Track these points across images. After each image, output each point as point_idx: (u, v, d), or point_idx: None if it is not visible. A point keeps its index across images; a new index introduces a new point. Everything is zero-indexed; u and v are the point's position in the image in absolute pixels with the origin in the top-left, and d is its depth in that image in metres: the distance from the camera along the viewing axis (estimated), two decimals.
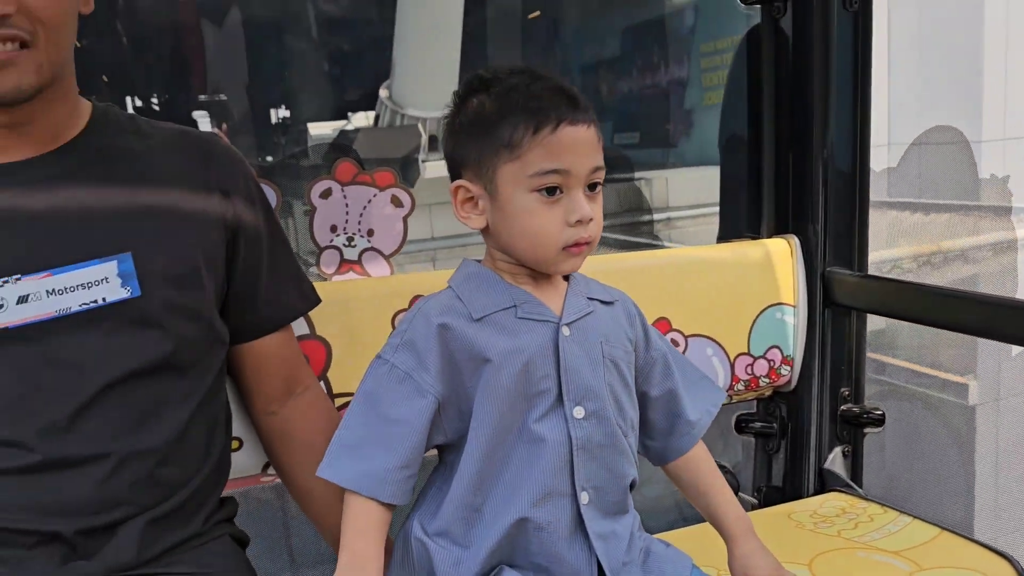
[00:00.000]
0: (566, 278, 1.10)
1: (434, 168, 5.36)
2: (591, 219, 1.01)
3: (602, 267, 1.52)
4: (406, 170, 5.50)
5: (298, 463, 1.22)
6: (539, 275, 1.07)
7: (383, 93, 6.29)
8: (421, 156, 5.78)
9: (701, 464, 1.21)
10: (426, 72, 5.99)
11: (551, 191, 1.00)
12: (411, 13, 5.89)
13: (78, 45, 1.09)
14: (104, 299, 1.00)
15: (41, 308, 0.98)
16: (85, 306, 0.99)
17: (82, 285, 0.99)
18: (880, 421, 1.67)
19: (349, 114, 6.82)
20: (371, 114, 6.62)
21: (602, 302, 1.12)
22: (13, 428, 0.96)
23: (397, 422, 1.01)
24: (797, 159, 1.72)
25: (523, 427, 1.02)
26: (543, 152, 0.99)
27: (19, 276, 0.97)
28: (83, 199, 1.02)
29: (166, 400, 1.05)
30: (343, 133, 6.47)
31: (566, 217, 1.00)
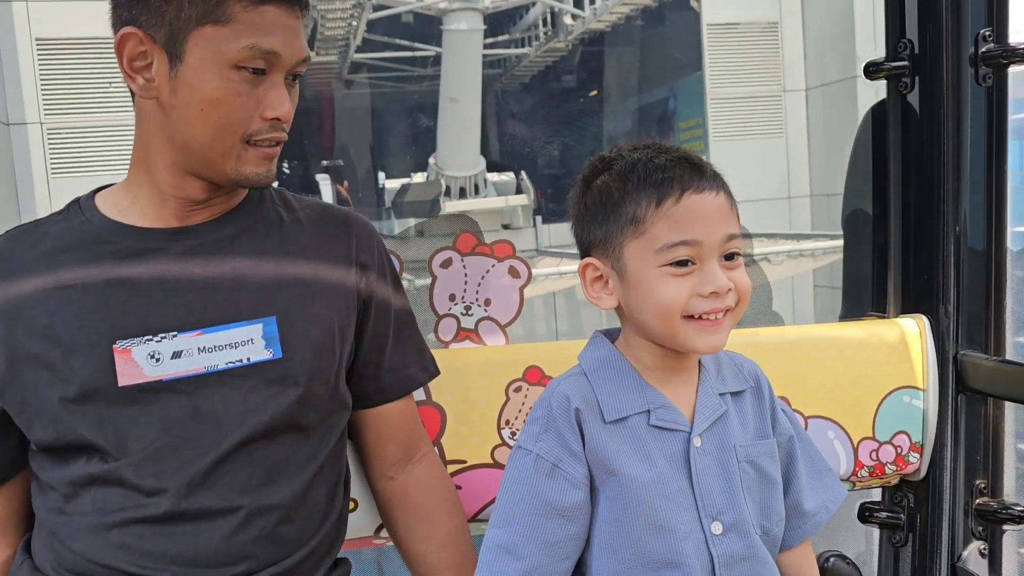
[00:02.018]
0: (699, 368, 1.07)
1: (451, 206, 8.81)
2: (729, 289, 0.97)
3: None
4: (430, 207, 8.95)
5: (413, 529, 1.24)
6: (672, 366, 1.04)
7: (432, 160, 9.39)
8: (442, 199, 8.98)
9: (804, 563, 1.14)
10: (455, 147, 8.98)
11: (682, 263, 0.97)
12: (446, 109, 8.82)
13: None
14: (249, 359, 1.06)
15: (192, 364, 1.04)
16: (231, 364, 1.05)
17: (230, 344, 1.05)
18: (1022, 518, 1.55)
19: (412, 174, 10.10)
20: (424, 174, 9.74)
21: (733, 394, 1.08)
22: (159, 478, 1.02)
23: (554, 518, 0.99)
24: (926, 236, 1.65)
25: (658, 548, 0.98)
26: (668, 224, 0.97)
27: (176, 333, 1.04)
28: (236, 264, 1.09)
29: (292, 459, 1.09)
30: (403, 186, 9.77)
31: (698, 289, 0.97)
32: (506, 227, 8.80)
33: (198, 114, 1.02)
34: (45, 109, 7.13)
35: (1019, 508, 1.56)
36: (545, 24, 10.28)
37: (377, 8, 8.95)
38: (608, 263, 1.02)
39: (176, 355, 1.04)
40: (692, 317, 0.98)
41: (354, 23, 9.20)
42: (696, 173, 0.99)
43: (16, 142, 7.06)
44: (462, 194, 8.99)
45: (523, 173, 9.60)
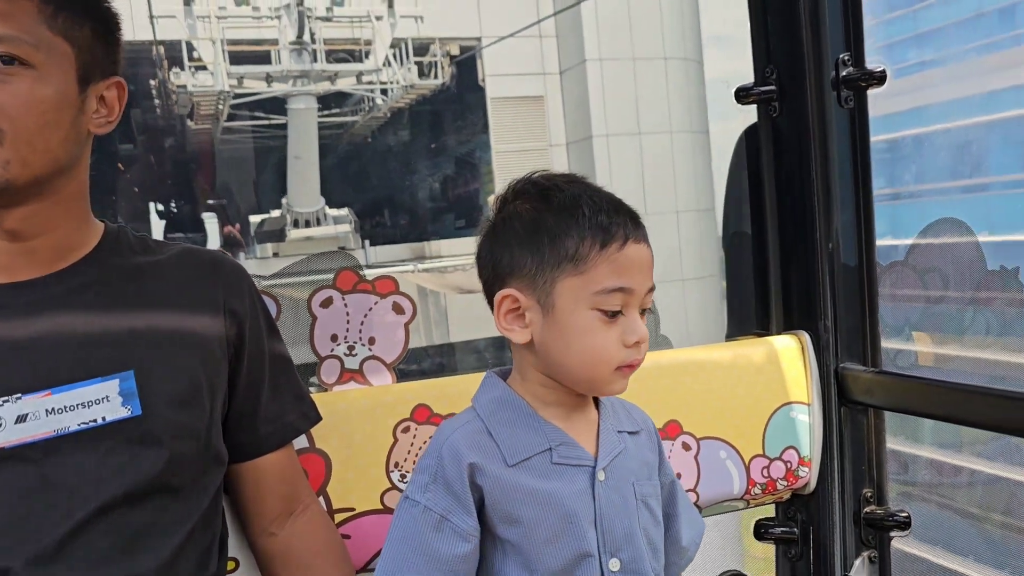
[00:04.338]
0: (597, 405, 1.06)
1: (295, 234, 11.81)
2: (647, 340, 0.98)
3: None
4: (281, 235, 11.92)
5: None
6: (572, 403, 1.03)
7: (284, 200, 12.29)
8: (288, 228, 11.84)
9: None
10: (300, 191, 11.94)
11: (614, 312, 0.96)
12: (292, 164, 11.93)
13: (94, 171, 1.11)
14: (104, 418, 0.98)
15: (39, 427, 0.95)
16: (84, 425, 0.97)
17: (82, 404, 0.97)
18: (906, 524, 1.60)
19: (271, 211, 12.86)
20: (280, 210, 12.47)
21: (630, 433, 1.07)
22: (1, 557, 0.92)
23: (441, 572, 0.95)
24: (802, 255, 1.70)
25: None
26: (610, 269, 0.95)
27: (20, 395, 0.96)
28: (88, 318, 1.01)
29: (158, 524, 1.01)
30: (262, 220, 12.76)
31: (623, 338, 0.97)
32: (342, 249, 12.20)
33: None
34: None
35: (904, 515, 1.61)
36: (367, 100, 13.71)
37: (237, 96, 12.25)
38: (533, 296, 0.98)
39: (21, 419, 0.95)
40: (618, 369, 0.98)
41: (220, 106, 12.41)
42: (634, 223, 0.99)
43: None
44: (307, 224, 12.05)
45: (347, 208, 12.93)
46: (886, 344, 1.69)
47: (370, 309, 1.45)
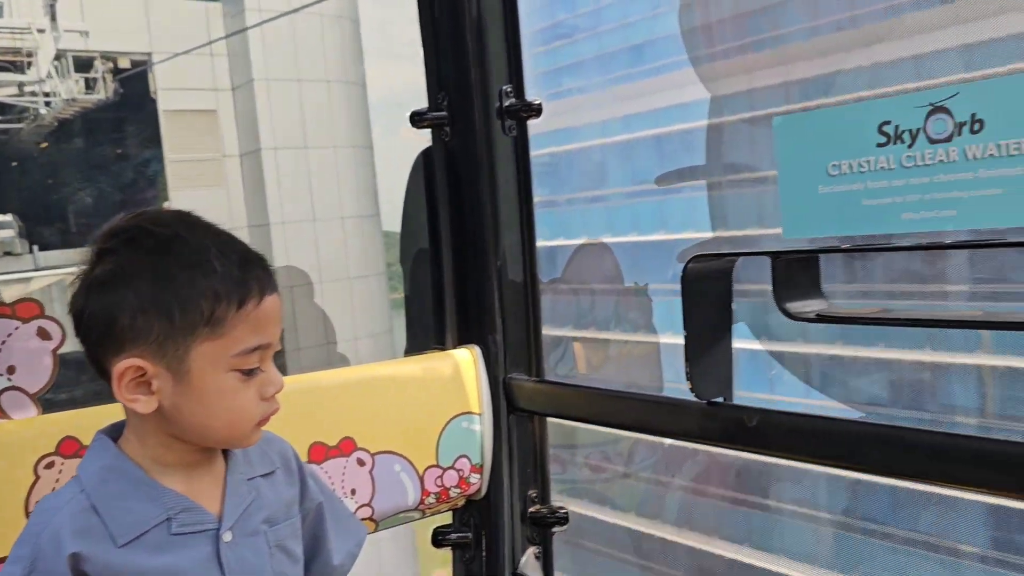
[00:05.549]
0: (225, 455, 1.02)
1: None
2: (282, 388, 0.96)
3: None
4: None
5: None
6: (195, 460, 0.97)
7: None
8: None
9: None
10: None
11: (251, 369, 0.92)
12: None
13: None
14: None
15: None
16: None
17: None
18: (565, 520, 1.74)
19: None
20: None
21: (264, 476, 1.04)
22: None
23: None
24: (475, 271, 1.80)
25: None
26: (248, 329, 0.91)
27: None
28: None
29: None
30: None
31: (261, 391, 0.94)
32: (8, 254, 11.37)
33: None
34: None
35: (563, 511, 1.75)
36: (32, 110, 13.45)
37: None
38: (162, 363, 0.90)
39: None
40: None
41: None
42: (266, 272, 0.95)
43: None
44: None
45: (12, 214, 12.56)
46: (554, 334, 1.83)
47: (9, 335, 1.32)
